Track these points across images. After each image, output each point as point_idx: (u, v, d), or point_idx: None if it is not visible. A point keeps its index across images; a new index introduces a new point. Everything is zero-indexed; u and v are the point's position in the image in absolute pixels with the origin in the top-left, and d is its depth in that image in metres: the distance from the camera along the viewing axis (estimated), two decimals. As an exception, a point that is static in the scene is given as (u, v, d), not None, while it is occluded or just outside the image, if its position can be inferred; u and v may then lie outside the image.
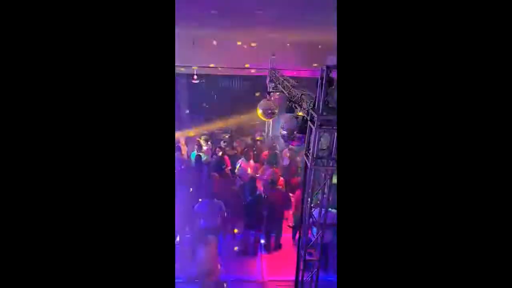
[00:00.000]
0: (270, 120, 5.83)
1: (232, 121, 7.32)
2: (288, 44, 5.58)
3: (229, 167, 4.95)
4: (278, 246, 4.10)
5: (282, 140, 3.89)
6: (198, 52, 5.43)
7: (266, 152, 5.50)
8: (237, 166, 4.92)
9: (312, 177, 2.32)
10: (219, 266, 3.15)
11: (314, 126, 2.14)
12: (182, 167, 4.81)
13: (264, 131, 7.40)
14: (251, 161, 5.08)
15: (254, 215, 3.82)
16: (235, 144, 6.11)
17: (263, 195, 4.12)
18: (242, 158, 5.03)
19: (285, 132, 2.86)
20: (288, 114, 3.03)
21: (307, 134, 2.39)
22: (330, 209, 2.36)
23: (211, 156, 5.41)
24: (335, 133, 2.23)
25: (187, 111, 7.48)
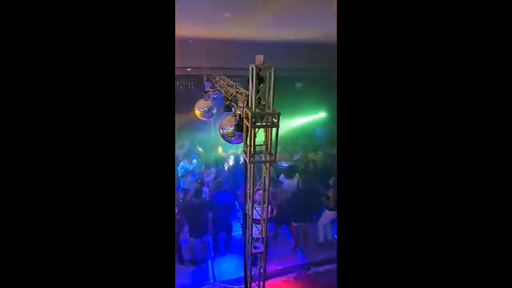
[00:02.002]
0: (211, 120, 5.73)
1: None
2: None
3: None
4: (227, 247, 4.09)
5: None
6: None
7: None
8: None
9: (251, 173, 2.36)
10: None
11: (248, 123, 2.18)
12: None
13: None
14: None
15: (199, 220, 3.71)
16: None
17: (207, 198, 4.04)
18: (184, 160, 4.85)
19: (223, 131, 2.84)
20: (226, 113, 3.02)
21: (243, 131, 2.42)
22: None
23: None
24: (270, 129, 2.30)
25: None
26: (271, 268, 3.84)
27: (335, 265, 3.97)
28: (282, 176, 4.47)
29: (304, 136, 6.94)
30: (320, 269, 3.92)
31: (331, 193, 4.03)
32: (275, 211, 3.85)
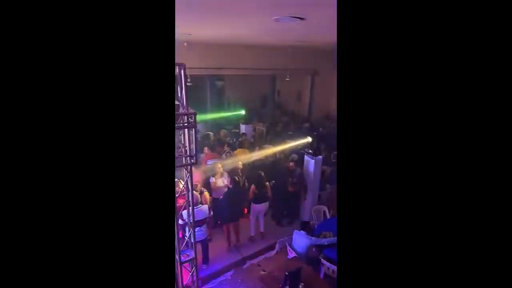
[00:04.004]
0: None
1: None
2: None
3: None
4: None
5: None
6: None
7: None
8: None
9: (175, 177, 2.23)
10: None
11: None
12: None
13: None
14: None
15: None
16: None
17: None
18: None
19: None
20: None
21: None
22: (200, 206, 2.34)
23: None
24: (187, 130, 2.21)
25: None
26: (208, 271, 3.77)
27: (268, 254, 4.18)
28: (212, 178, 4.40)
29: (229, 133, 7.01)
30: (255, 260, 4.06)
31: (252, 186, 4.19)
32: (211, 212, 3.77)
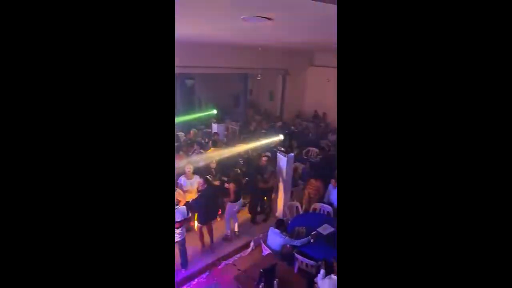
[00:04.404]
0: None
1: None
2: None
3: None
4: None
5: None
6: None
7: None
8: None
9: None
10: None
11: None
12: None
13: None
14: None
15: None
16: None
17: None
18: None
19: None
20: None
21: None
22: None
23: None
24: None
25: None
26: (183, 275, 3.68)
27: (243, 253, 4.20)
28: (181, 179, 4.30)
29: (201, 133, 6.89)
30: (230, 260, 4.05)
31: (232, 185, 4.18)
32: (189, 214, 3.68)
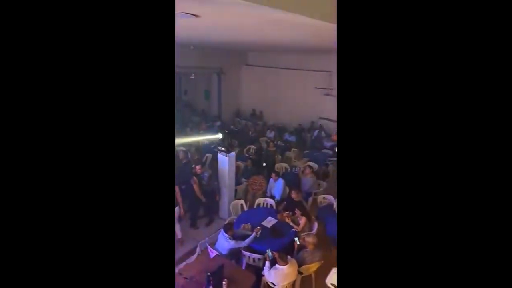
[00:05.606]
0: None
1: None
2: None
3: None
4: None
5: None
6: None
7: None
8: None
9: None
10: None
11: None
12: None
13: None
14: None
15: None
16: None
17: None
18: None
19: None
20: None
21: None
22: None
23: None
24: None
25: None
26: None
27: (189, 260, 4.03)
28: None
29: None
30: (176, 269, 3.84)
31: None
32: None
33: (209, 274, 2.66)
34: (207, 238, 4.06)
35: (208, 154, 6.22)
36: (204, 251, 3.76)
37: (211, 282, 2.67)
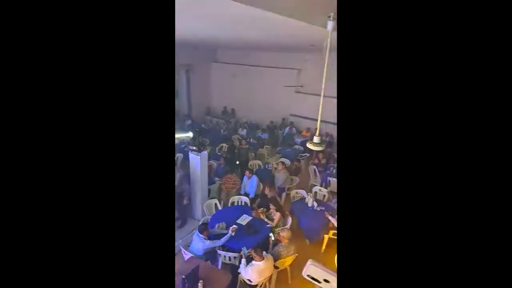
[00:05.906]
0: None
1: None
2: None
3: None
4: None
5: None
6: None
7: None
8: None
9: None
10: None
11: None
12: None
13: None
14: None
15: None
16: None
17: None
18: None
19: None
20: None
21: None
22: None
23: None
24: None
25: None
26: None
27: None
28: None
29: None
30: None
31: None
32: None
33: (184, 277, 2.59)
34: (180, 241, 3.94)
35: (179, 154, 6.04)
36: (178, 254, 3.66)
37: (186, 285, 2.60)
